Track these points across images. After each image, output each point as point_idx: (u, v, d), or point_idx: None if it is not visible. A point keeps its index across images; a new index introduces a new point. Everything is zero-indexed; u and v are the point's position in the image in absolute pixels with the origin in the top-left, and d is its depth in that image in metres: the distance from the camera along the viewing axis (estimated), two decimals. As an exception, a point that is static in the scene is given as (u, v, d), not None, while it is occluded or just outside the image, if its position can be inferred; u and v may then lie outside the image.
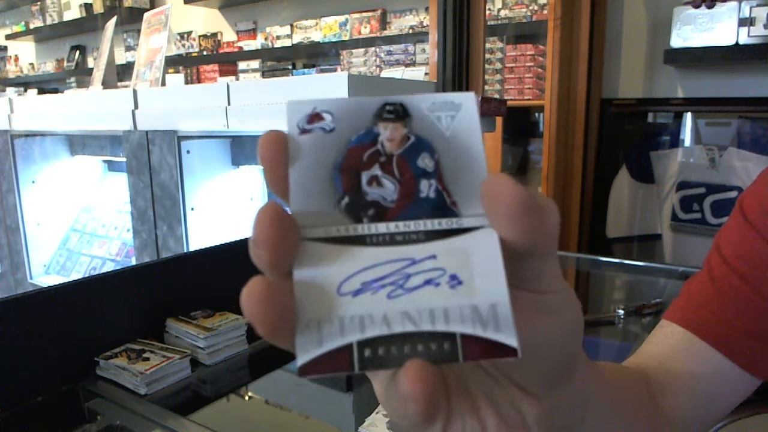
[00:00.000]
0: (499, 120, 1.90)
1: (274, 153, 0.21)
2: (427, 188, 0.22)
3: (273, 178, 0.21)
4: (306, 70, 3.37)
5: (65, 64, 5.10)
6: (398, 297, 0.20)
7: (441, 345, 0.19)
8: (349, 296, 0.20)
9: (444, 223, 0.21)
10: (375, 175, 0.22)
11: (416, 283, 0.20)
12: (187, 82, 3.70)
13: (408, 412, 0.20)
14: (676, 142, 2.00)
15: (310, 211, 0.21)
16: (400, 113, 0.22)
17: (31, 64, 5.61)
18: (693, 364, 0.45)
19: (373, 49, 3.05)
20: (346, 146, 0.22)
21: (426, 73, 2.21)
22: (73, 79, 4.17)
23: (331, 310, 0.20)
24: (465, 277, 0.20)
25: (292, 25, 3.52)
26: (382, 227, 0.21)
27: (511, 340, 0.19)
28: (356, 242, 0.21)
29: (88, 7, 4.58)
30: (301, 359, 0.19)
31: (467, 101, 0.22)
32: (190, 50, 4.05)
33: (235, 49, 3.76)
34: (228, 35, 3.94)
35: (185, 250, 1.46)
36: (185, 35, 4.06)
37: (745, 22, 1.70)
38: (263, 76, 3.55)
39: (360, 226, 0.21)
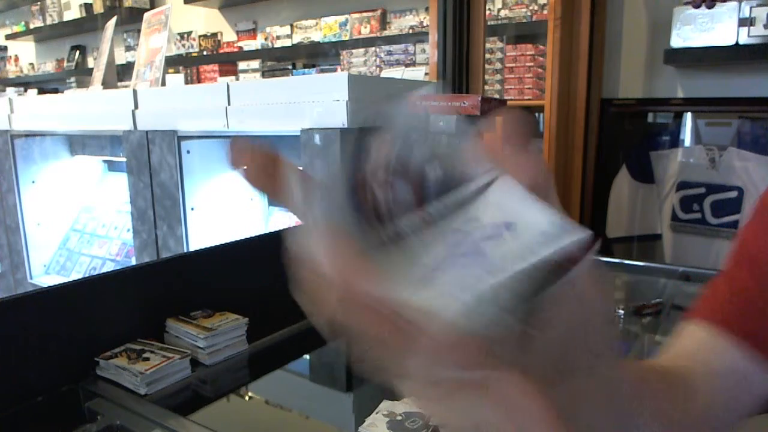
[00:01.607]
0: (499, 120, 1.90)
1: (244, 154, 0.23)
2: (433, 172, 0.23)
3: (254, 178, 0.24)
4: (306, 70, 3.37)
5: (65, 64, 5.10)
6: (473, 262, 0.21)
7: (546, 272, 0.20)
8: (439, 272, 0.21)
9: (465, 191, 0.22)
10: (383, 182, 0.23)
11: (482, 247, 0.21)
12: (187, 82, 3.70)
13: None
14: (676, 142, 1.99)
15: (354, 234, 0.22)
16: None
17: (31, 64, 5.61)
18: (716, 361, 0.45)
19: (373, 49, 3.05)
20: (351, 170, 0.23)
21: (426, 73, 2.21)
22: (73, 79, 4.17)
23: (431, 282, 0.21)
24: (514, 219, 0.21)
25: (292, 25, 3.52)
26: (414, 219, 0.22)
27: (584, 234, 0.20)
28: (402, 241, 0.22)
29: (88, 7, 4.58)
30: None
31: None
32: (190, 50, 4.05)
33: (235, 49, 3.76)
34: (228, 35, 3.94)
35: (185, 250, 1.46)
36: (185, 35, 4.06)
37: (745, 22, 1.70)
38: (263, 76, 3.55)
39: (397, 226, 0.22)
